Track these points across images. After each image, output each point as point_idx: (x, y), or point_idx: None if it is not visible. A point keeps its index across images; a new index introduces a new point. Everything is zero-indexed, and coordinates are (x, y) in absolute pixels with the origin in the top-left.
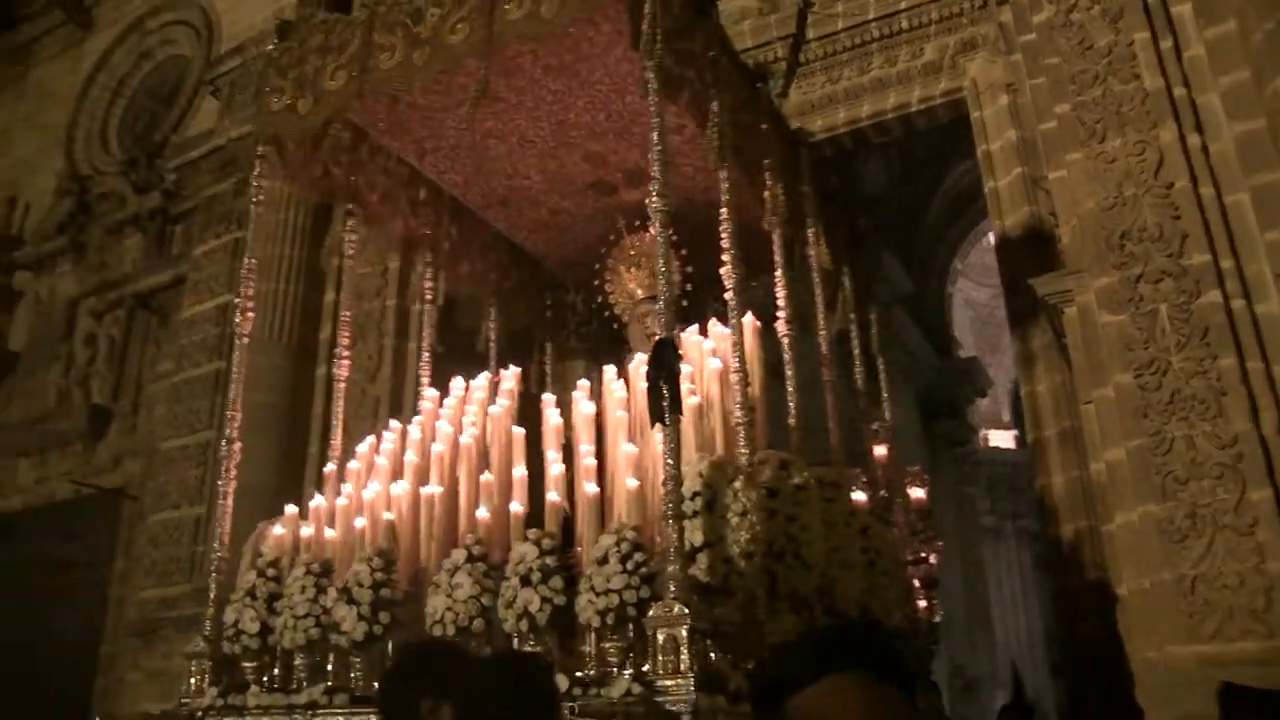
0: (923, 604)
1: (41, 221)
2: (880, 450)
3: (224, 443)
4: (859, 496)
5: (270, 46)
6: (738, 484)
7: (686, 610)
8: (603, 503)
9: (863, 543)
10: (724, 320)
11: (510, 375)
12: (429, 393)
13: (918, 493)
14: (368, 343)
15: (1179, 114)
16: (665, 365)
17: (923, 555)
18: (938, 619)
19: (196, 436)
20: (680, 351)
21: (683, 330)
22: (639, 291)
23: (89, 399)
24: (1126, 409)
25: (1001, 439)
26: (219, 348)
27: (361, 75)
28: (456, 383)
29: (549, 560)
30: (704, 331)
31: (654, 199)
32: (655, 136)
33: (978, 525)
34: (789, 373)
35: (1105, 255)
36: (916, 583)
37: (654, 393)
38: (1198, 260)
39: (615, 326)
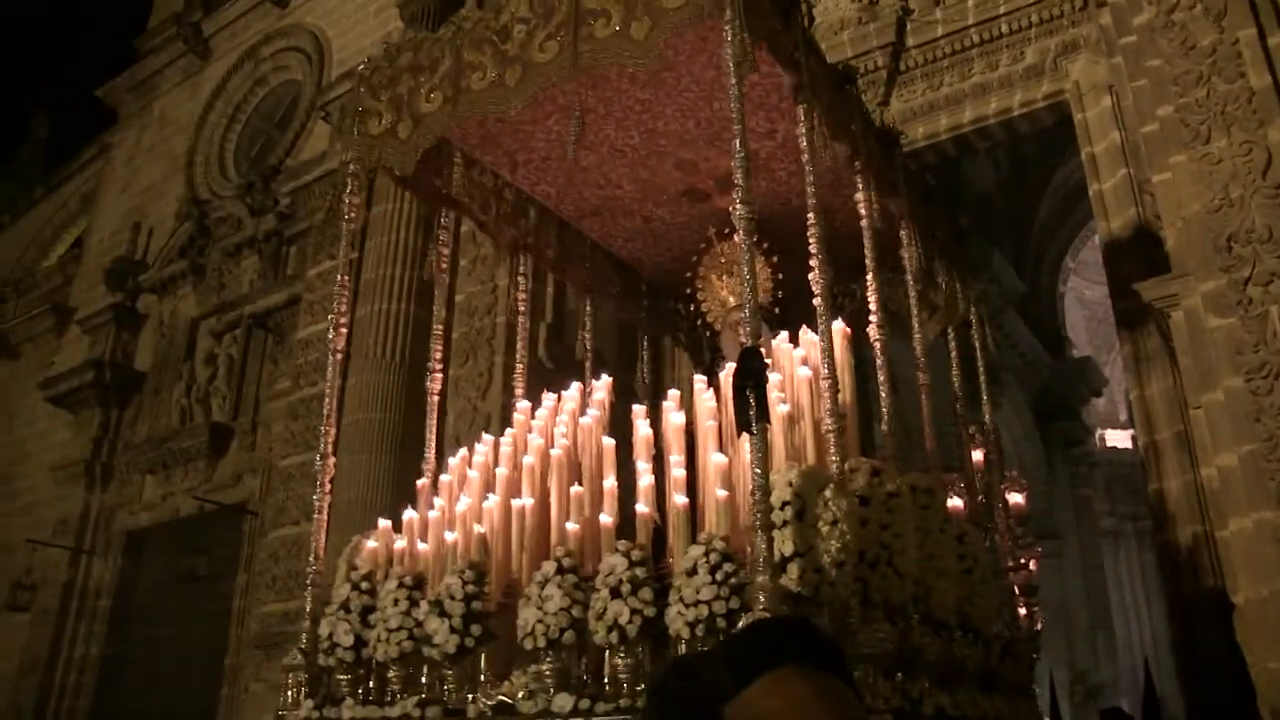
0: (1023, 611)
1: (164, 246)
2: (978, 455)
3: (318, 458)
4: (955, 503)
5: (361, 65)
6: (828, 492)
7: None
8: (694, 514)
9: (959, 550)
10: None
11: (602, 385)
12: (521, 404)
13: (1016, 498)
14: (478, 360)
15: None
16: (751, 373)
17: (1022, 561)
18: (1039, 626)
19: (313, 454)
20: (767, 360)
21: (773, 337)
22: (730, 299)
23: (210, 417)
24: (1238, 413)
25: (1118, 439)
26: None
27: (456, 96)
28: (549, 395)
29: (639, 571)
30: (795, 339)
31: (738, 206)
32: (738, 144)
33: (1096, 527)
34: (880, 377)
35: (1212, 258)
36: (1016, 590)
37: (740, 401)
38: None
39: (708, 335)
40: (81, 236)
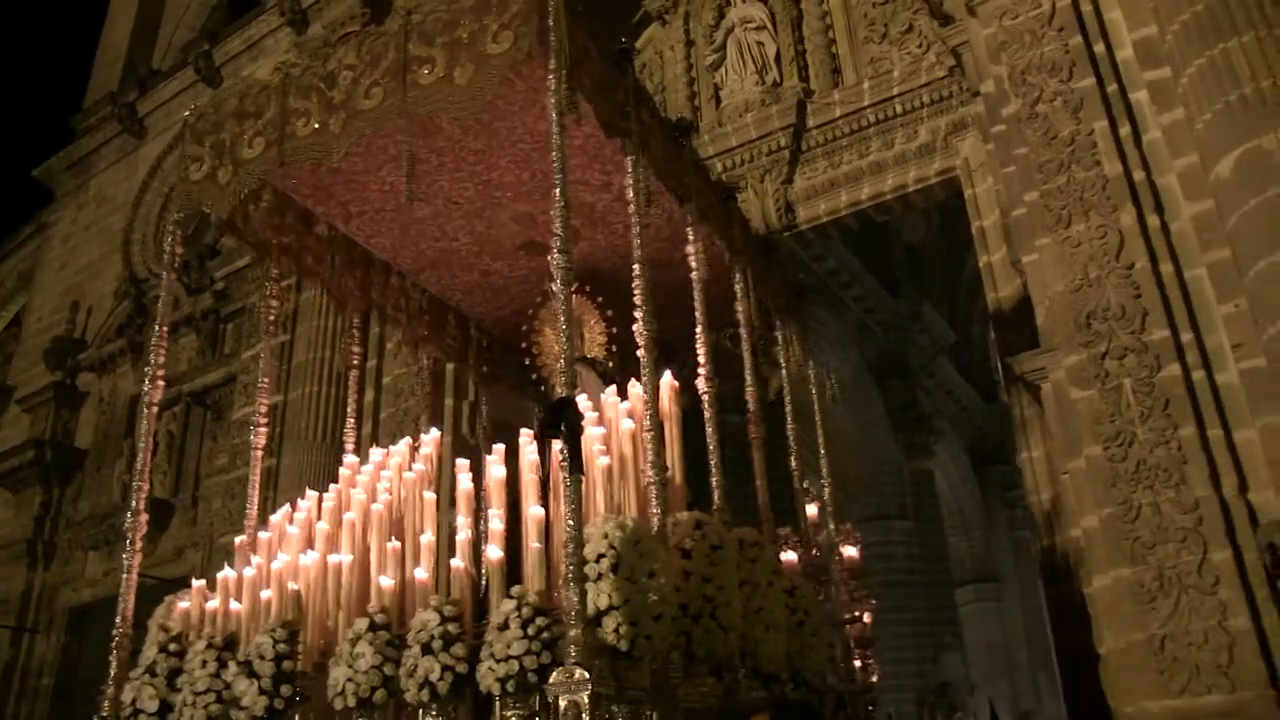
0: (858, 664)
1: (103, 324)
2: (812, 510)
3: (129, 515)
4: (790, 557)
5: (186, 113)
6: (646, 545)
7: (588, 675)
8: (519, 567)
9: (791, 603)
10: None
11: (430, 440)
12: (348, 459)
13: (850, 551)
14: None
15: (1139, 197)
16: (561, 425)
17: (857, 614)
18: (875, 678)
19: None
20: (580, 412)
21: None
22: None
23: (151, 493)
24: (1097, 479)
25: None
26: (269, 446)
27: (280, 142)
28: (376, 450)
29: (451, 627)
30: (623, 393)
31: (556, 255)
32: (558, 193)
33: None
34: (709, 430)
35: (1074, 334)
36: (852, 643)
37: (546, 453)
38: (1158, 335)
39: (543, 388)
40: (20, 315)
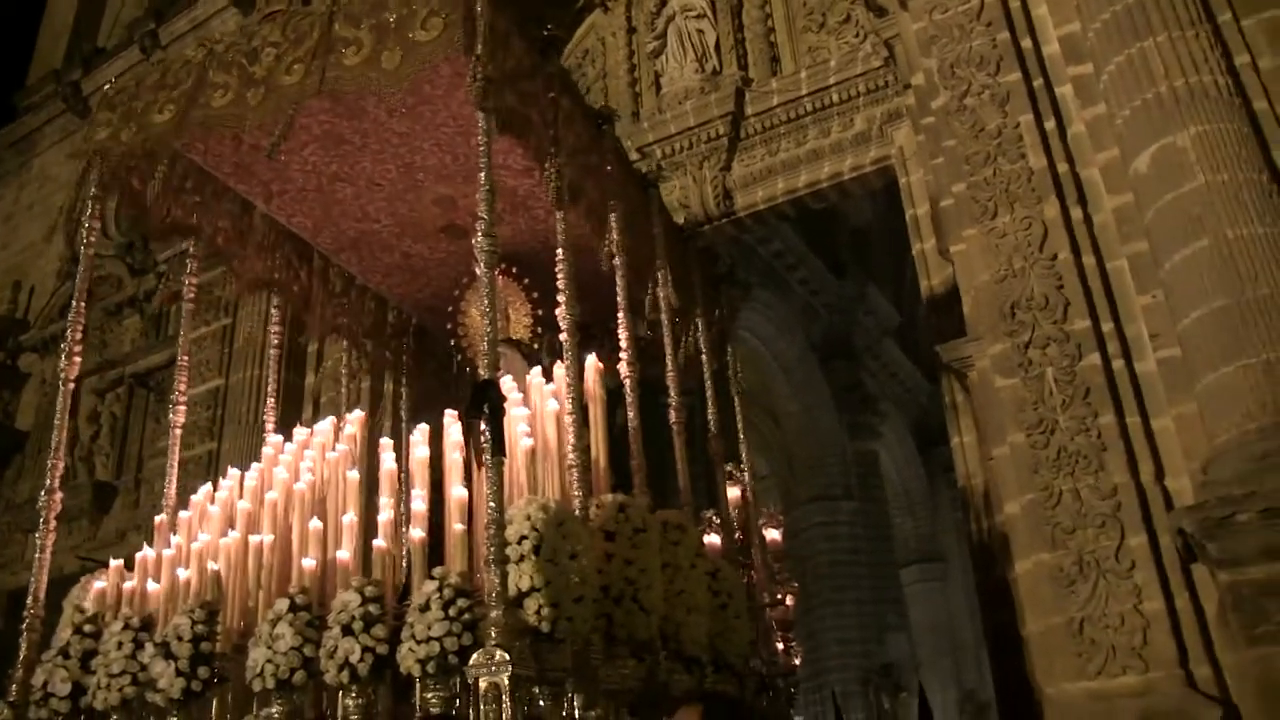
0: (781, 646)
1: (45, 305)
2: (734, 492)
3: (43, 494)
4: (712, 540)
5: (107, 86)
6: (567, 526)
7: (508, 656)
8: (442, 549)
9: (713, 586)
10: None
11: (354, 419)
12: (272, 439)
13: (773, 534)
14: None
15: (1063, 189)
16: (483, 406)
17: (780, 597)
18: (797, 661)
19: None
20: (503, 393)
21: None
22: None
23: (93, 475)
24: (1020, 465)
25: None
26: (210, 429)
27: (189, 110)
28: (301, 430)
29: (372, 608)
30: (549, 374)
31: (480, 238)
32: (483, 177)
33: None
34: (630, 413)
35: (998, 324)
36: (774, 625)
37: (470, 435)
38: (1079, 326)
39: (468, 370)
40: None
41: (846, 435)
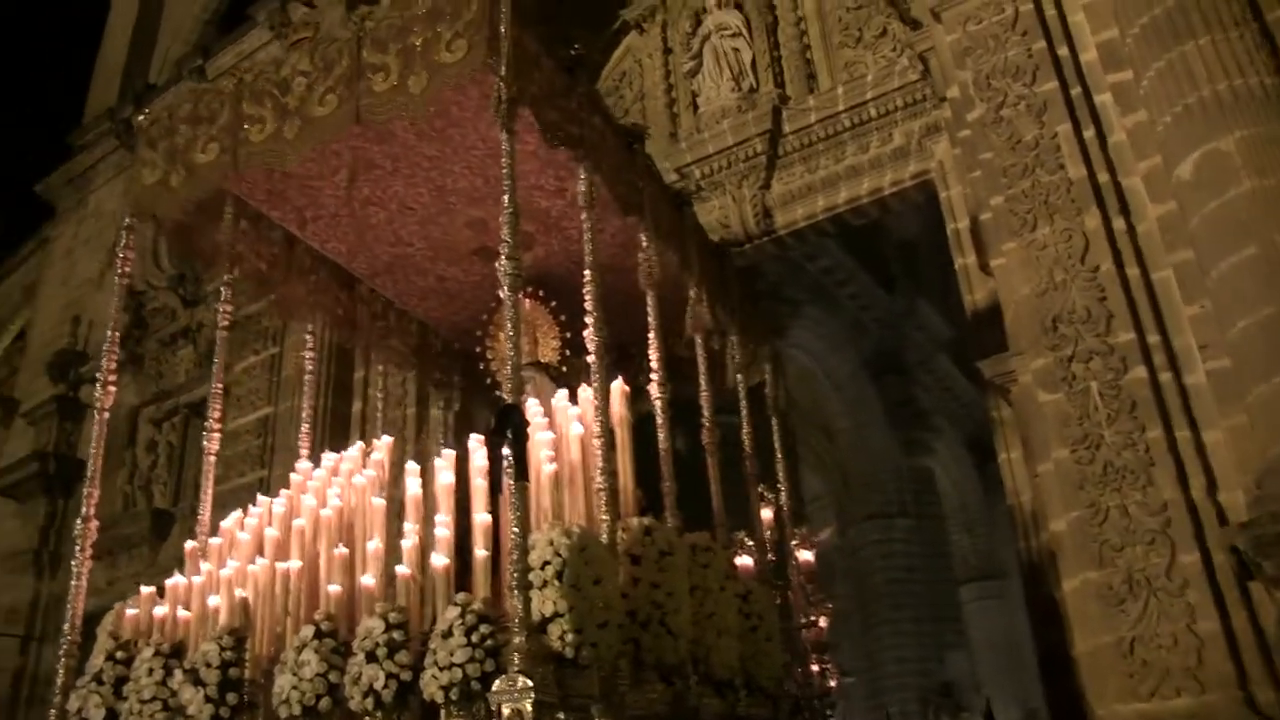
0: (815, 668)
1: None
2: (767, 513)
3: (79, 522)
4: (745, 561)
5: (141, 116)
6: (592, 552)
7: (531, 683)
8: (468, 574)
9: (744, 608)
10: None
11: (382, 446)
12: (301, 465)
13: (807, 555)
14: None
15: (1103, 199)
16: (508, 431)
17: (814, 619)
18: (832, 683)
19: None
20: (526, 418)
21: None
22: None
23: (151, 503)
24: (1065, 482)
25: None
26: (261, 457)
27: (234, 148)
28: (329, 456)
29: (396, 635)
30: (574, 398)
31: (504, 261)
32: (506, 199)
33: None
34: (660, 435)
35: (1040, 338)
36: (808, 647)
37: (495, 459)
38: (1123, 338)
39: (495, 393)
40: (24, 329)
41: (901, 451)
